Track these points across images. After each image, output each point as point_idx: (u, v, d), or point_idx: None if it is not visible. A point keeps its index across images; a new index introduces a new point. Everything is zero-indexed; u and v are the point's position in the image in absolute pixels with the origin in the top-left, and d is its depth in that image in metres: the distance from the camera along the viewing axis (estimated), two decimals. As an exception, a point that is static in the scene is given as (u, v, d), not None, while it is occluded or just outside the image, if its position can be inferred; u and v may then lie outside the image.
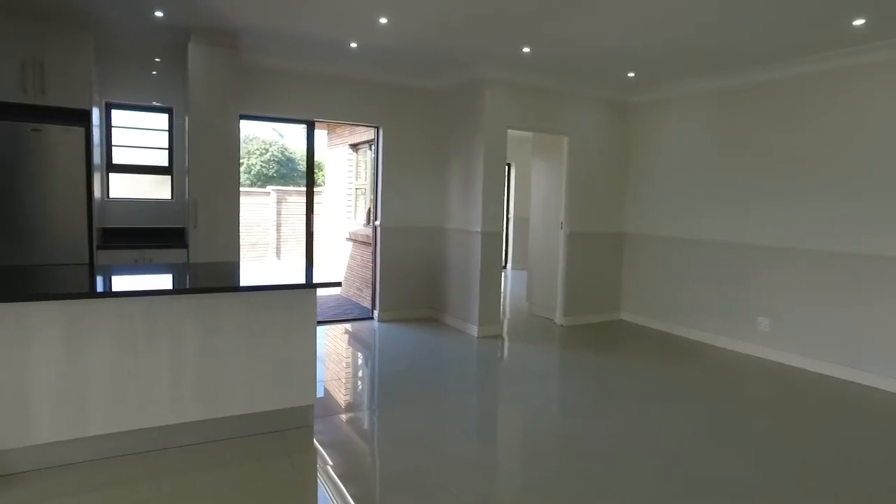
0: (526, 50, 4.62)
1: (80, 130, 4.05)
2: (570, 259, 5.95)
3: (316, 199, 11.13)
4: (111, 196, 4.89)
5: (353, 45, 4.65)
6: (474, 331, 5.42)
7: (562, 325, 5.96)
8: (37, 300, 2.52)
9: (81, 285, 2.94)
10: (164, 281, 3.22)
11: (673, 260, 5.74)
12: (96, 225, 4.53)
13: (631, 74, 5.31)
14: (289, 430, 3.13)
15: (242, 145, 16.72)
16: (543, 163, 6.37)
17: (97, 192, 4.56)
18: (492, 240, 5.43)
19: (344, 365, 4.63)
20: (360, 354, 5.05)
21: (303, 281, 3.10)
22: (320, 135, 9.25)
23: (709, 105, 5.38)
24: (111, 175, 4.87)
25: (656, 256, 5.94)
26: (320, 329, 5.61)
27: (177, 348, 2.85)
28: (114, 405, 2.73)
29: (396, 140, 5.89)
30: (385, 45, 4.66)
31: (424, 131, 5.99)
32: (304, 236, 5.76)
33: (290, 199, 10.90)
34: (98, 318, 2.68)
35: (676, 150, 5.71)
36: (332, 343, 5.24)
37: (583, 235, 6.01)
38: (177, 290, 2.81)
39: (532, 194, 6.65)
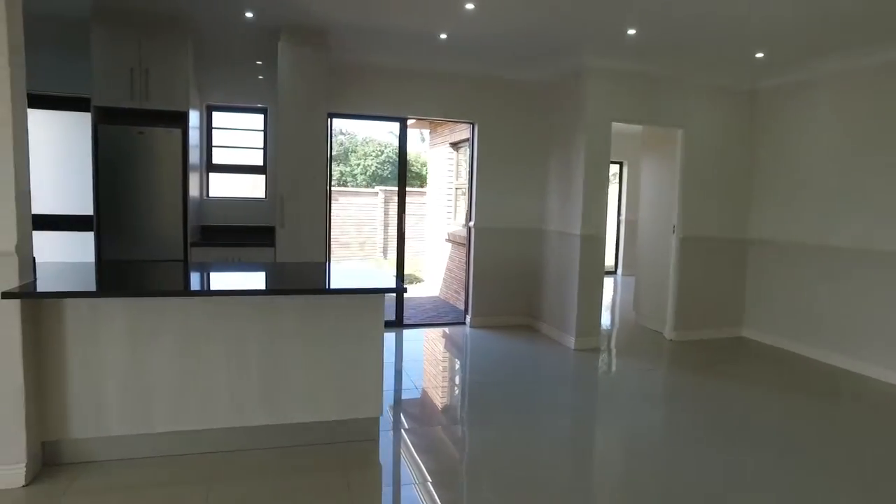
0: (632, 32, 4.11)
1: (178, 132, 4.21)
2: (683, 266, 5.29)
3: (419, 199, 11.18)
4: (211, 195, 5.08)
5: (443, 36, 4.42)
6: (571, 342, 4.97)
7: (671, 340, 5.31)
8: (108, 296, 2.56)
9: (146, 284, 2.97)
10: (230, 281, 3.19)
11: (808, 270, 4.87)
12: (197, 223, 4.74)
13: (759, 55, 4.55)
14: (352, 442, 2.95)
15: (359, 147, 17.29)
16: (653, 159, 5.74)
17: (197, 192, 4.77)
18: (592, 244, 4.94)
19: (429, 373, 4.42)
20: (447, 362, 4.82)
21: (376, 285, 2.91)
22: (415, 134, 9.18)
23: (857, 89, 4.48)
24: (211, 175, 5.05)
25: (788, 265, 5.08)
26: (413, 332, 5.48)
27: (240, 350, 2.78)
28: (176, 403, 2.72)
29: (492, 136, 5.58)
30: (476, 35, 4.38)
31: (522, 126, 5.62)
32: (396, 237, 5.64)
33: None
34: (161, 317, 2.67)
35: (813, 143, 4.83)
36: (421, 348, 5.07)
37: (698, 240, 5.31)
38: (237, 292, 2.73)
39: (641, 194, 6.03)
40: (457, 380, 4.34)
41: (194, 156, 4.60)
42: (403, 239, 5.61)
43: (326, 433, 2.93)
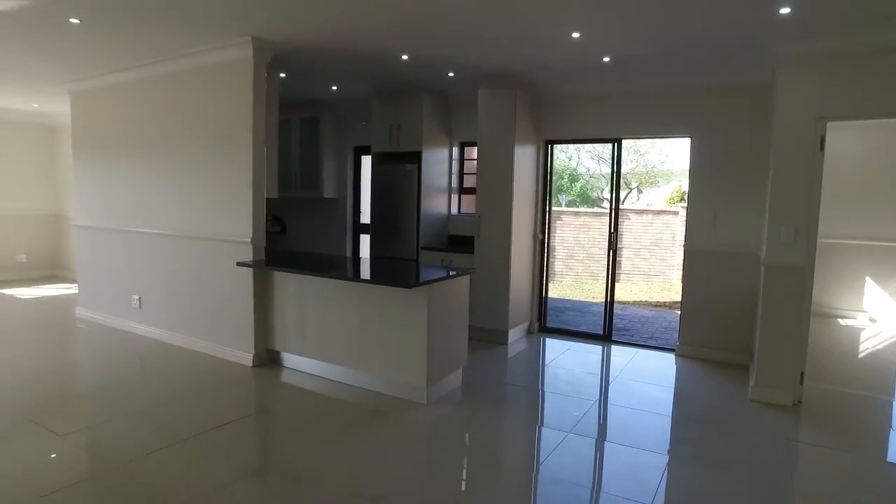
0: None
1: (415, 166, 5.89)
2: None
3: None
4: (461, 212, 6.54)
5: (606, 59, 4.57)
6: (753, 391, 4.15)
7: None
8: (304, 273, 4.42)
9: (311, 268, 4.67)
10: (372, 271, 4.59)
11: None
12: (447, 233, 6.33)
13: None
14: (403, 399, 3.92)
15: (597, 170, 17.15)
16: None
17: (446, 209, 6.35)
18: (783, 273, 3.99)
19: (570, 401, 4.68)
20: (594, 388, 4.84)
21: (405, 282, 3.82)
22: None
23: None
24: (462, 196, 6.52)
25: None
26: (619, 350, 5.52)
27: (347, 315, 4.18)
28: (316, 341, 4.35)
29: (709, 150, 5.05)
30: (637, 54, 4.35)
31: (742, 137, 4.85)
32: (606, 255, 5.78)
33: (632, 217, 10.67)
34: (311, 286, 4.33)
35: None
36: (591, 365, 5.19)
37: None
38: (335, 276, 4.13)
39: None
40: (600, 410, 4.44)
41: (442, 181, 6.21)
42: (613, 256, 5.69)
43: (385, 385, 4.02)
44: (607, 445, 3.42)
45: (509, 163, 5.36)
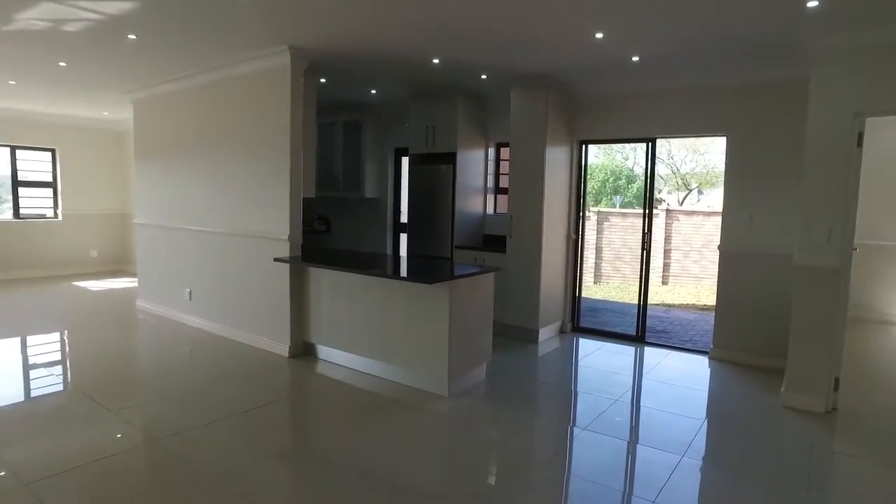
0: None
1: (450, 167, 6.02)
2: None
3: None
4: (496, 211, 6.62)
5: (635, 59, 4.56)
6: (784, 397, 4.04)
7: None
8: (333, 269, 4.65)
9: (343, 264, 4.88)
10: (400, 268, 4.76)
11: None
12: (482, 232, 6.45)
13: None
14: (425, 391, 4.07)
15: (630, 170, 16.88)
16: None
17: (481, 209, 6.45)
18: (816, 277, 3.87)
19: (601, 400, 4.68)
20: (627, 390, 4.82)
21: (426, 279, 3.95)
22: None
23: None
24: (498, 196, 6.60)
25: None
26: (653, 351, 5.47)
27: (372, 308, 4.36)
28: (348, 333, 4.56)
29: (745, 149, 4.93)
30: (665, 53, 4.32)
31: (779, 135, 4.70)
32: (640, 256, 5.72)
33: (681, 218, 10.37)
34: (342, 280, 4.55)
35: None
36: (611, 368, 5.17)
37: None
38: (359, 271, 4.32)
39: None
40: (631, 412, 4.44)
41: (477, 182, 6.32)
42: (647, 258, 5.63)
43: (408, 377, 4.18)
44: (619, 443, 3.43)
45: (540, 163, 5.41)
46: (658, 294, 12.14)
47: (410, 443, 3.33)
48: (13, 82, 6.17)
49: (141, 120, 6.52)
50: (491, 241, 6.39)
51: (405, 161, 7.02)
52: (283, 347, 4.85)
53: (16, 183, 8.62)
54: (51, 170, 8.89)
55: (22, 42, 4.53)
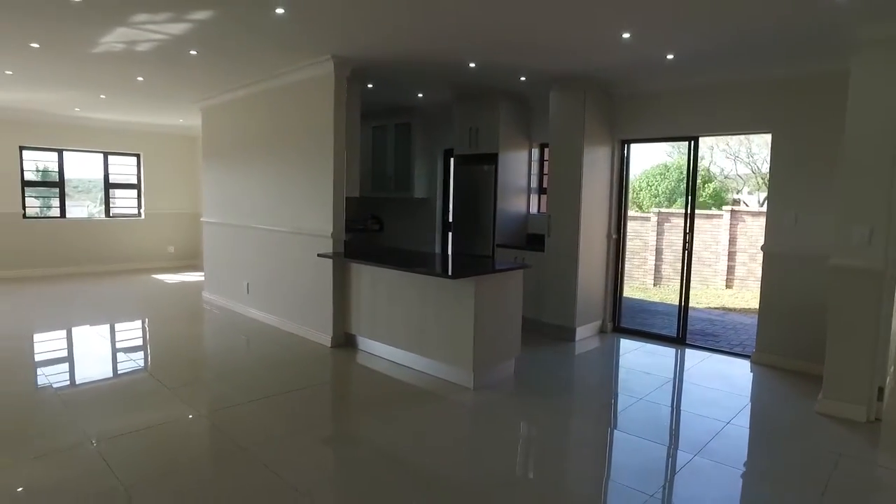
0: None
1: (492, 167, 6.16)
2: None
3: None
4: (539, 211, 6.67)
5: (669, 56, 4.52)
6: (821, 403, 3.90)
7: None
8: (374, 265, 4.93)
9: (384, 260, 5.12)
10: (435, 265, 4.95)
11: None
12: (525, 231, 6.55)
13: None
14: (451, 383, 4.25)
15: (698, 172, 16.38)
16: None
17: (524, 208, 6.55)
18: (855, 279, 3.71)
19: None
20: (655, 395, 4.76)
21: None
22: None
23: None
24: (541, 196, 6.66)
25: None
26: (693, 353, 5.36)
27: (409, 302, 4.59)
28: (385, 325, 4.81)
29: (791, 145, 4.76)
30: (699, 49, 4.27)
31: (827, 130, 4.50)
32: (682, 259, 5.61)
33: (747, 219, 9.65)
34: (381, 276, 4.81)
35: None
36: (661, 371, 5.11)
37: None
38: (394, 267, 4.55)
39: None
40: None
41: (520, 182, 6.43)
42: (689, 261, 5.53)
43: (437, 369, 4.37)
44: (633, 440, 3.46)
45: (578, 163, 5.44)
46: (720, 297, 11.69)
47: (426, 429, 3.52)
48: (103, 96, 6.91)
49: (207, 126, 7.11)
50: (534, 240, 6.45)
51: (453, 162, 7.22)
52: (326, 338, 5.18)
53: (107, 185, 9.57)
54: (136, 173, 9.79)
55: (106, 62, 5.11)
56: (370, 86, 5.92)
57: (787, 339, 4.82)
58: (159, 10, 3.76)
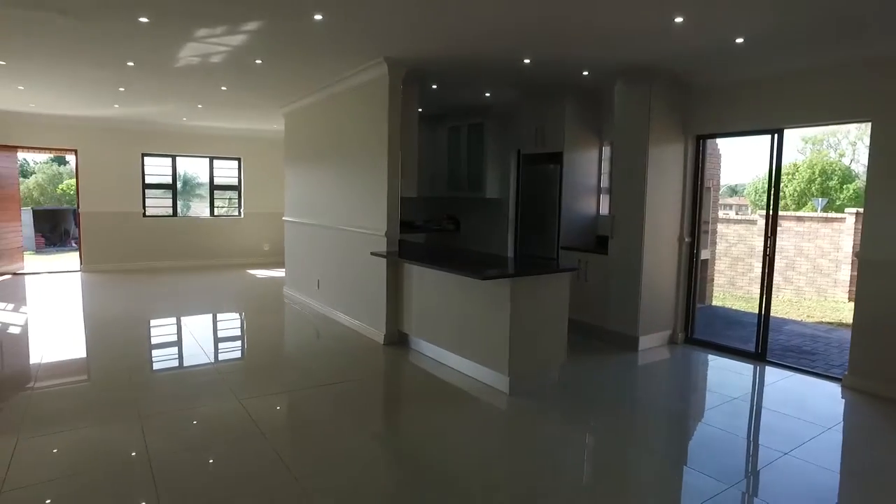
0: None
1: (557, 166, 5.93)
2: None
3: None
4: (604, 213, 6.30)
5: (739, 40, 4.08)
6: (916, 437, 3.33)
7: None
8: (421, 265, 4.97)
9: (431, 261, 5.09)
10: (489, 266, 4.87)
11: None
12: (594, 233, 6.26)
13: None
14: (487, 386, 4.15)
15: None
16: None
17: (594, 209, 6.25)
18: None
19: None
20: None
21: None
22: None
23: None
24: (606, 196, 6.29)
25: None
26: (775, 373, 4.81)
27: (451, 300, 4.55)
28: (430, 324, 4.82)
29: (894, 136, 4.08)
30: (770, 29, 3.83)
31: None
32: (762, 266, 5.02)
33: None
34: (428, 275, 4.82)
35: None
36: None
37: None
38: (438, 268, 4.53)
39: None
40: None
41: (589, 181, 6.14)
42: (770, 265, 4.94)
43: (476, 371, 4.29)
44: (664, 464, 3.15)
45: (643, 161, 5.09)
46: (838, 311, 10.40)
47: (448, 429, 3.48)
48: (200, 106, 7.60)
49: (289, 130, 7.56)
50: (602, 242, 6.13)
51: (520, 161, 7.07)
52: (379, 335, 5.28)
53: (212, 187, 10.51)
54: (237, 175, 10.65)
55: (190, 75, 5.62)
56: (434, 87, 5.95)
57: (888, 361, 4.15)
58: (217, 24, 4.06)
